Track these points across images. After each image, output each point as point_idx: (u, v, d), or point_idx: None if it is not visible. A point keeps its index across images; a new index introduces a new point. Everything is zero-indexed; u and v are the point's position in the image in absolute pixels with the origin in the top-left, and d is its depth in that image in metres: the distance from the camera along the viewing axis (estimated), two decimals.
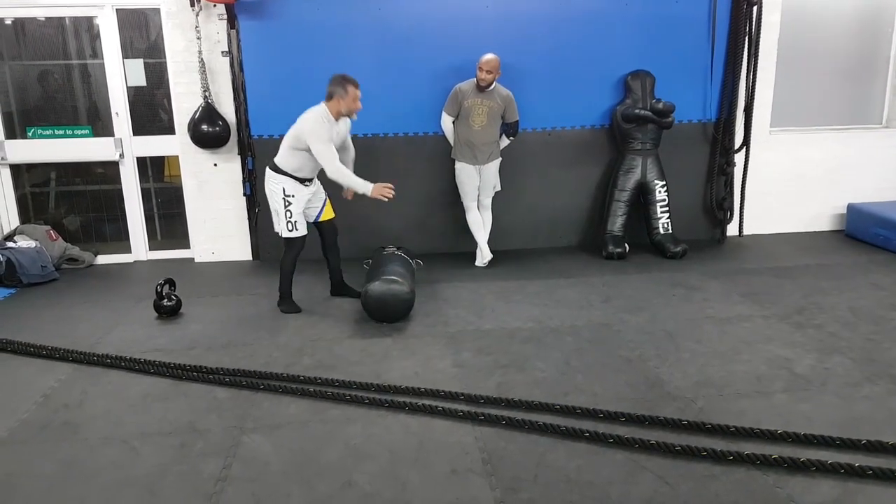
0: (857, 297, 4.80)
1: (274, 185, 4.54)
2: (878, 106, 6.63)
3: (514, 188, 5.88)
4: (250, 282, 5.45)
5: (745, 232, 6.45)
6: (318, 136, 4.31)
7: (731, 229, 6.45)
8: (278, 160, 4.54)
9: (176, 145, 5.85)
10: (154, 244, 6.18)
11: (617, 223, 5.96)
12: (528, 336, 4.20)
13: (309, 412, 3.32)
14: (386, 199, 4.45)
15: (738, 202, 6.35)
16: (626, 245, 5.90)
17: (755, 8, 5.88)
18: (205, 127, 5.54)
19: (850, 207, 6.40)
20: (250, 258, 6.06)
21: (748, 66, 6.02)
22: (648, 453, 2.91)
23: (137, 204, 6.01)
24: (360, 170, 5.70)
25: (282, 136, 5.62)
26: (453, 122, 5.55)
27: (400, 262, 4.80)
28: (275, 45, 5.59)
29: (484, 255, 5.64)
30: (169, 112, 5.85)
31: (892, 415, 3.22)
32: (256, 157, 5.77)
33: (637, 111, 5.72)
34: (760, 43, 5.95)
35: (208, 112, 5.56)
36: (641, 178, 5.90)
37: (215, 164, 5.85)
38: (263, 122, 5.73)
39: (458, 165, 5.56)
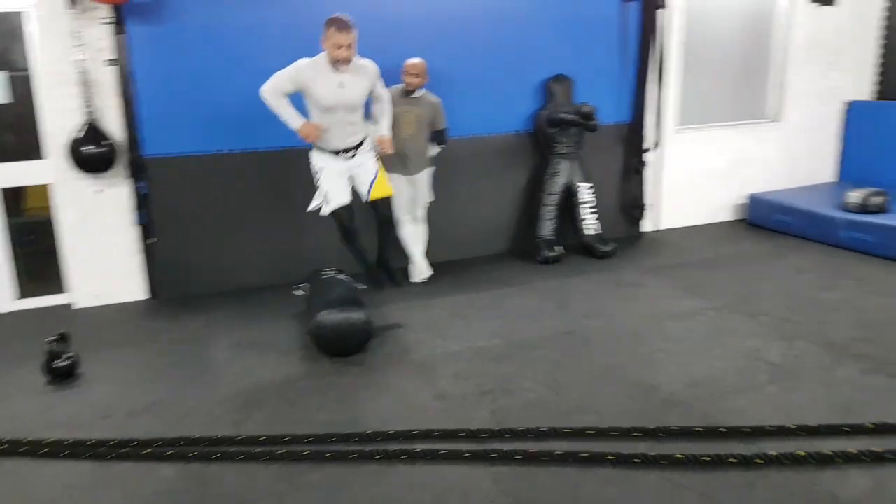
0: (788, 282, 4.96)
1: (312, 162, 4.30)
2: (766, 101, 7.01)
3: (444, 197, 5.57)
4: (153, 325, 4.72)
5: (661, 227, 6.57)
6: (285, 70, 4.05)
7: (647, 225, 6.54)
8: None
9: (48, 171, 4.99)
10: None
11: (548, 227, 5.83)
12: (500, 354, 3.91)
13: (284, 481, 2.79)
14: (309, 141, 4.17)
15: (653, 199, 6.44)
16: (559, 248, 5.78)
17: (663, 12, 5.99)
18: (89, 147, 4.76)
19: (752, 197, 6.71)
20: (144, 297, 5.28)
21: (657, 68, 6.11)
22: (678, 469, 2.73)
23: (1, 244, 5.06)
24: (269, 186, 5.27)
25: (182, 155, 5.08)
26: None
27: (345, 286, 4.34)
28: (171, 51, 4.91)
29: (420, 271, 5.28)
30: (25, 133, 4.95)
31: (875, 395, 3.28)
32: (152, 180, 5.05)
33: (562, 115, 5.63)
34: (667, 46, 6.08)
35: (92, 130, 4.78)
36: (568, 181, 5.82)
37: (100, 191, 5.05)
38: (159, 138, 5.01)
39: (388, 176, 5.16)
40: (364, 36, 5.06)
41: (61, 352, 3.84)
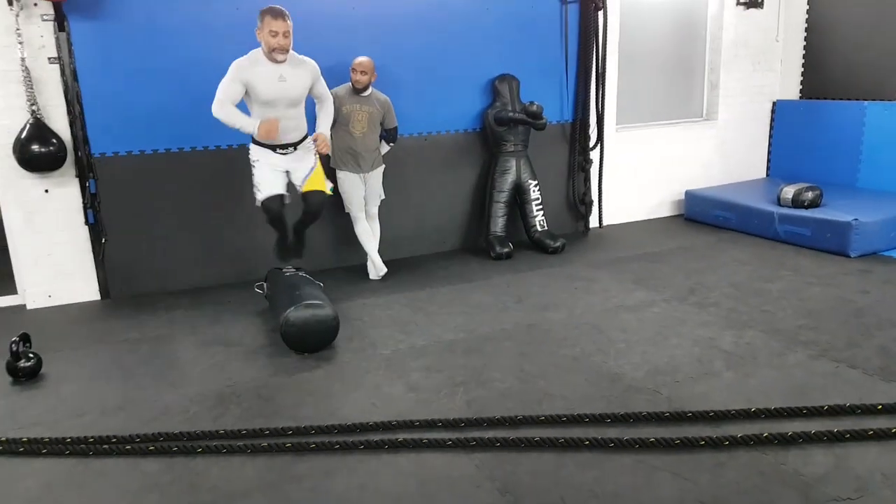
0: (731, 274, 5.25)
1: (250, 154, 4.30)
2: (699, 101, 7.36)
3: (395, 195, 5.63)
4: (112, 325, 4.62)
5: (604, 223, 6.81)
6: (224, 78, 4.01)
7: (592, 221, 6.77)
8: None
9: None
10: None
11: (499, 224, 5.98)
12: (468, 347, 4.01)
13: (273, 472, 2.83)
14: (270, 140, 4.10)
15: (597, 196, 6.67)
16: (510, 244, 5.92)
17: (601, 13, 6.21)
18: (36, 147, 4.60)
19: (688, 193, 7.04)
20: (98, 298, 5.15)
21: (597, 69, 6.34)
22: (651, 451, 2.88)
23: None
24: (221, 183, 5.20)
25: (129, 153, 4.97)
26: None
27: (309, 283, 4.35)
28: (115, 48, 4.80)
29: (378, 268, 5.33)
30: None
31: (825, 378, 3.51)
32: (100, 179, 4.91)
33: (511, 114, 5.77)
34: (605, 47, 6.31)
35: (38, 129, 4.62)
36: (516, 179, 5.97)
37: (46, 191, 4.88)
38: (106, 137, 4.90)
39: (341, 174, 5.19)
40: (309, 33, 5.14)
41: (24, 352, 3.73)
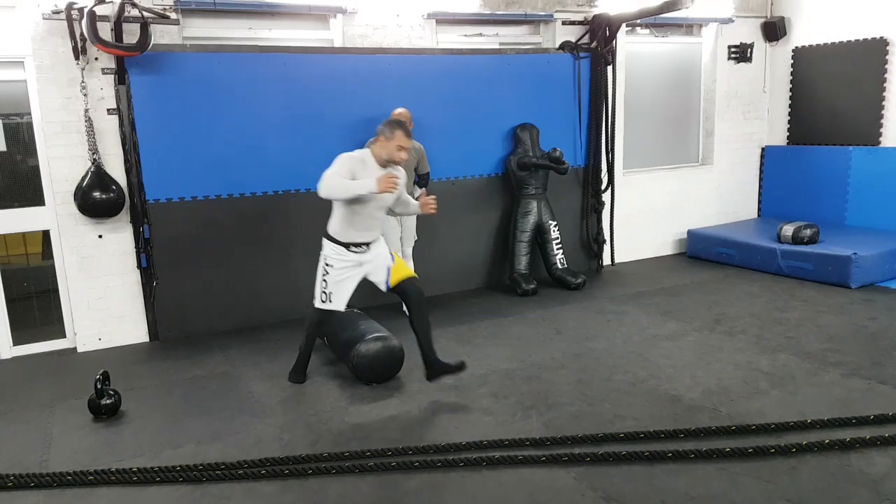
0: (748, 305, 5.62)
1: (322, 250, 4.06)
2: (696, 147, 7.89)
3: (426, 236, 5.92)
4: (171, 365, 4.74)
5: (616, 261, 7.18)
6: (333, 166, 3.80)
7: (604, 259, 7.13)
8: (329, 223, 4.04)
9: (46, 218, 4.96)
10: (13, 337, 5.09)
11: (523, 262, 6.30)
12: (526, 375, 4.26)
13: (386, 489, 3.02)
14: (393, 192, 3.80)
15: (609, 235, 7.06)
16: (534, 281, 6.23)
17: (609, 67, 6.71)
18: (97, 194, 4.79)
19: (691, 232, 7.48)
20: (146, 340, 5.26)
21: (607, 118, 6.80)
22: (729, 460, 3.16)
23: None
24: (265, 228, 5.43)
25: (181, 199, 5.17)
26: None
27: (367, 318, 4.57)
28: (170, 101, 5.06)
29: None
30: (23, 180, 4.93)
31: (861, 393, 3.87)
32: (153, 224, 5.10)
33: (534, 160, 6.16)
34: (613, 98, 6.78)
35: (99, 177, 4.81)
36: (538, 220, 6.32)
37: (100, 236, 5.04)
38: (160, 184, 5.11)
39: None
40: (352, 89, 5.47)
41: (106, 389, 3.85)
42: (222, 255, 5.37)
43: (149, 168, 5.05)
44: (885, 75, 6.84)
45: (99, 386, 3.83)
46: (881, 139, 6.96)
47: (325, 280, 4.02)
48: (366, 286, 4.14)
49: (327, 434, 3.55)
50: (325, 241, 4.02)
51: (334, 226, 3.98)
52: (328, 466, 3.17)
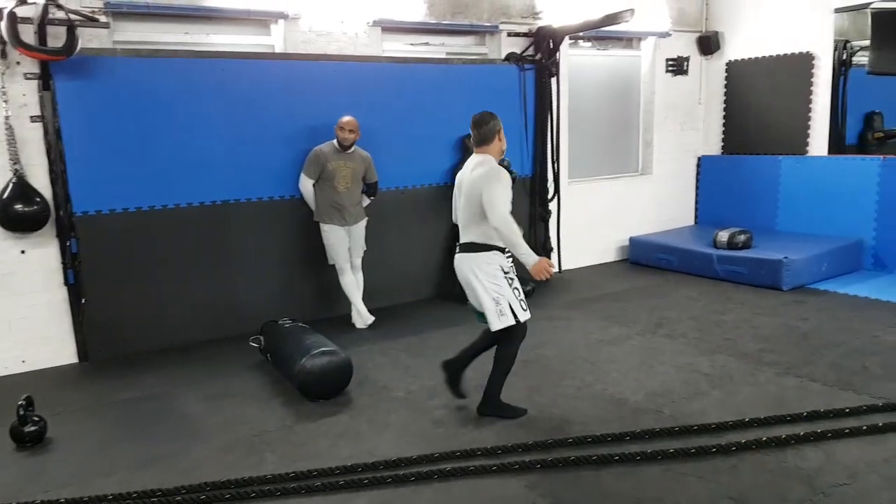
0: (687, 309, 5.75)
1: (487, 266, 3.60)
2: (636, 157, 8.07)
3: (375, 247, 5.83)
4: (102, 386, 4.49)
5: (563, 268, 7.25)
6: (498, 180, 3.57)
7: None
8: (475, 236, 3.64)
9: None
10: None
11: None
12: (478, 384, 4.14)
13: None
14: (543, 279, 3.61)
15: (556, 243, 7.12)
16: None
17: (554, 79, 6.79)
18: (20, 206, 4.54)
19: (633, 240, 7.62)
20: (75, 361, 4.99)
21: (551, 128, 6.87)
22: (673, 461, 3.20)
23: None
24: (202, 240, 5.27)
25: (112, 211, 4.95)
26: (313, 185, 5.36)
27: (313, 332, 4.45)
28: (100, 108, 4.84)
29: (364, 317, 5.47)
30: None
31: (795, 391, 4.00)
32: (81, 238, 4.86)
33: None
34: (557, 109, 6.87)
35: (21, 188, 4.56)
36: None
37: (23, 252, 4.77)
38: (89, 196, 4.87)
39: (327, 227, 5.36)
40: (295, 96, 5.36)
41: (29, 416, 3.62)
42: (157, 270, 5.16)
43: (76, 179, 4.81)
44: (812, 88, 7.14)
45: (21, 412, 3.59)
46: (808, 148, 7.25)
47: (516, 289, 3.65)
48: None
49: (271, 455, 3.41)
50: (489, 253, 3.62)
51: (490, 233, 3.60)
52: (272, 489, 3.05)
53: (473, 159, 3.78)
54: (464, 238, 3.71)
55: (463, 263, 3.69)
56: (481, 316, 3.71)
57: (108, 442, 3.67)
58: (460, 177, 3.83)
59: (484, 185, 3.54)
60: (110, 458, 3.46)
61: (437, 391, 4.12)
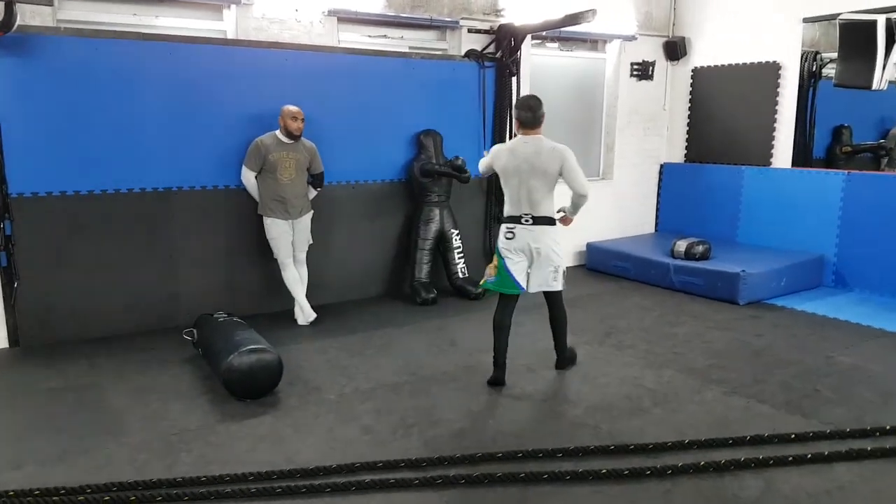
0: (639, 319, 5.68)
1: (559, 237, 4.26)
2: (597, 161, 7.99)
3: (322, 241, 5.69)
4: (29, 374, 4.32)
5: None
6: (572, 155, 4.12)
7: None
8: (546, 210, 4.17)
9: None
10: None
11: (423, 270, 6.16)
12: (413, 389, 4.11)
13: None
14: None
15: None
16: (434, 290, 6.10)
17: (514, 78, 6.68)
18: None
19: (590, 245, 7.55)
20: (6, 346, 4.79)
21: (510, 128, 6.76)
22: (604, 482, 3.10)
23: None
24: (142, 227, 5.09)
25: (49, 194, 4.75)
26: (256, 177, 5.19)
27: (246, 328, 4.30)
28: (40, 88, 4.64)
29: (306, 314, 5.33)
30: None
31: (741, 412, 3.89)
32: (16, 220, 4.66)
33: (437, 167, 6.04)
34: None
35: None
36: (440, 228, 6.20)
37: None
38: (25, 177, 4.68)
39: (269, 221, 5.20)
40: (245, 83, 5.18)
41: None
42: (94, 256, 4.96)
43: (12, 160, 4.61)
44: (777, 98, 7.11)
45: None
46: (772, 160, 7.22)
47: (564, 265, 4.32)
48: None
49: (187, 456, 3.27)
50: (553, 227, 4.20)
51: (551, 210, 4.21)
52: (180, 493, 2.91)
53: (530, 140, 4.14)
54: (536, 212, 4.13)
55: (544, 234, 4.16)
56: (501, 285, 4.25)
57: (22, 433, 3.52)
58: (518, 156, 4.12)
59: (564, 161, 4.06)
60: (23, 450, 3.31)
61: (372, 395, 4.01)
